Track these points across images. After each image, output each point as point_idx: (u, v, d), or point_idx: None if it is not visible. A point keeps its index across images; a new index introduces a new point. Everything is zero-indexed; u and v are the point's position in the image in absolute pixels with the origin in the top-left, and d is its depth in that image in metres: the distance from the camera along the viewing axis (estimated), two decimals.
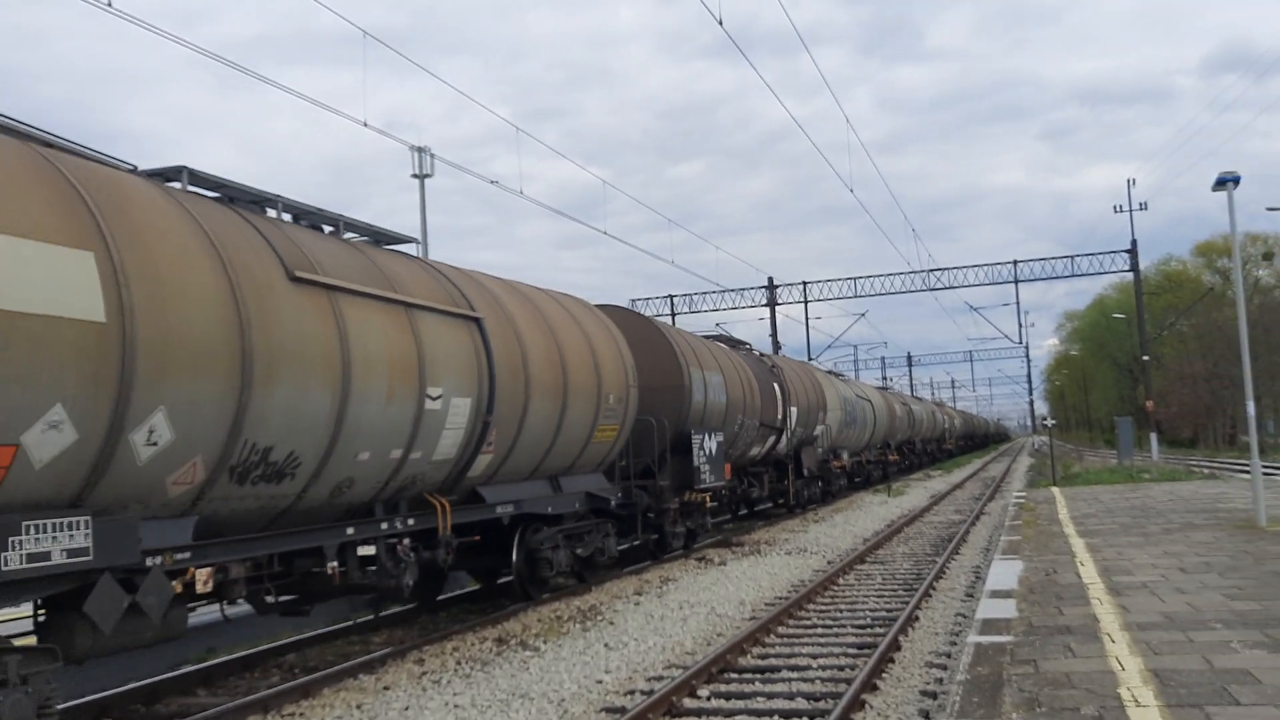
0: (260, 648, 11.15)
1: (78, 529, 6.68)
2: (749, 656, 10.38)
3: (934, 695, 8.51)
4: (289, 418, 8.40)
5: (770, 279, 53.36)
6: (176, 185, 8.64)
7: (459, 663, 10.35)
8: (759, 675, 9.60)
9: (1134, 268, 47.74)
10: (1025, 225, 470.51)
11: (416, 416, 10.14)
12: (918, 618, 12.00)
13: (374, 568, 10.27)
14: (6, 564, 6.22)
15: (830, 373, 37.70)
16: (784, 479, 26.25)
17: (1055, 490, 27.56)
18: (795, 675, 9.49)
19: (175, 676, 9.81)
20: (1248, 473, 21.69)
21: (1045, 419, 55.66)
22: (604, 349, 14.84)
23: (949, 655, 9.87)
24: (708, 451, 18.31)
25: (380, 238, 11.27)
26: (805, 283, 53.04)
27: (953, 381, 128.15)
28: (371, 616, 12.74)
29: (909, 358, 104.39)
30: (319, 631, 11.98)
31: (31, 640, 7.24)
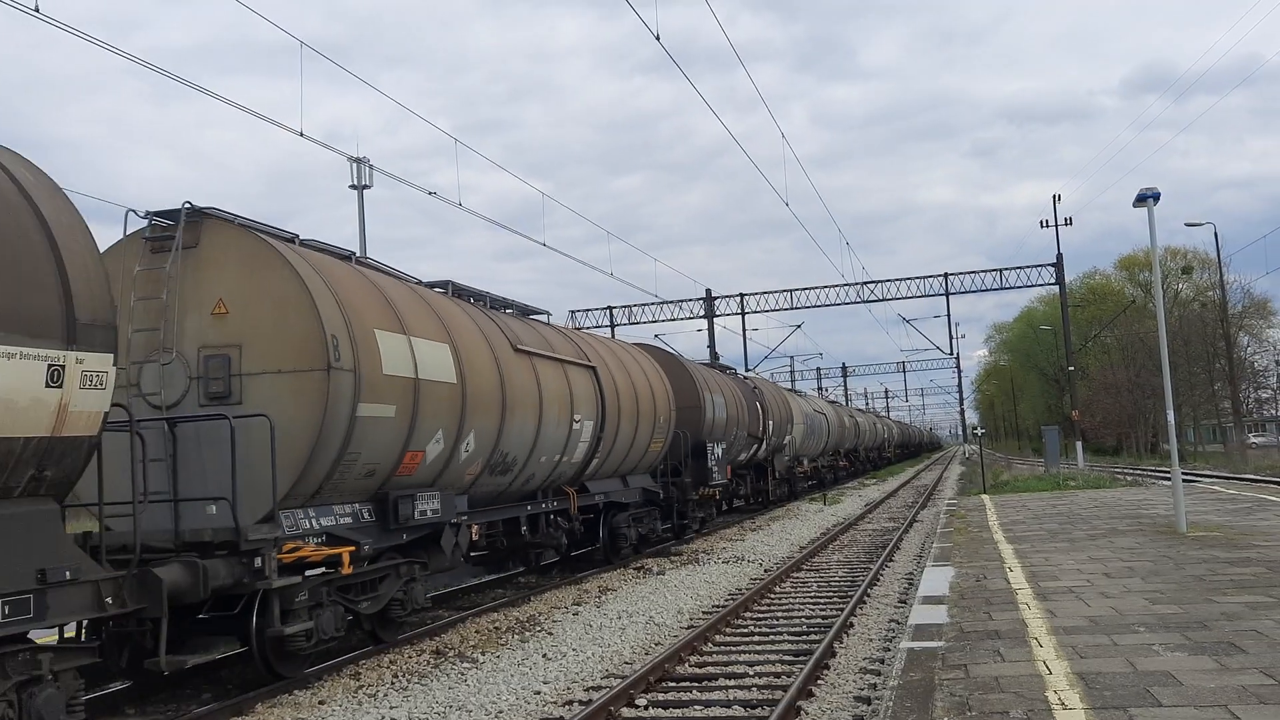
0: (193, 662, 10.93)
1: (435, 499, 11.83)
2: (687, 665, 10.45)
3: (868, 700, 8.65)
4: (518, 436, 13.79)
5: (708, 291, 53.68)
6: (441, 290, 13.82)
7: (396, 676, 10.27)
8: (696, 684, 9.67)
9: (1059, 281, 48.88)
10: (956, 239, 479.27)
11: (568, 434, 15.63)
12: (852, 624, 12.17)
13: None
14: (416, 516, 11.41)
15: (791, 390, 43.81)
16: (761, 480, 31.52)
17: (985, 498, 28.08)
18: (732, 683, 9.58)
19: (104, 695, 9.59)
20: (1169, 479, 22.34)
21: (976, 428, 56.69)
22: (655, 383, 20.44)
23: (883, 661, 10.03)
24: (716, 456, 23.71)
25: (526, 310, 16.63)
26: (743, 294, 53.45)
27: (886, 392, 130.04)
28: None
29: (844, 368, 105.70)
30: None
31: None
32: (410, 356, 11.14)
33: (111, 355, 7.29)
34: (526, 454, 14.24)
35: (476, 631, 12.55)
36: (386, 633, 11.66)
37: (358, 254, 12.34)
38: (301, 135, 17.89)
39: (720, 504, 26.97)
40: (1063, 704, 6.26)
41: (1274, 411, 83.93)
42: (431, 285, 13.82)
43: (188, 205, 10.09)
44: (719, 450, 23.95)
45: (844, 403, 79.33)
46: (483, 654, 11.15)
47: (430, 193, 23.22)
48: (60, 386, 6.84)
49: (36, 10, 11.70)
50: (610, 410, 17.25)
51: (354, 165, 26.26)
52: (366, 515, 10.84)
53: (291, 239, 10.85)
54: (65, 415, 6.89)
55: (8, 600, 6.52)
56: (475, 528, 13.08)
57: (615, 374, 18.07)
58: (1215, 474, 39.80)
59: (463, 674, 10.22)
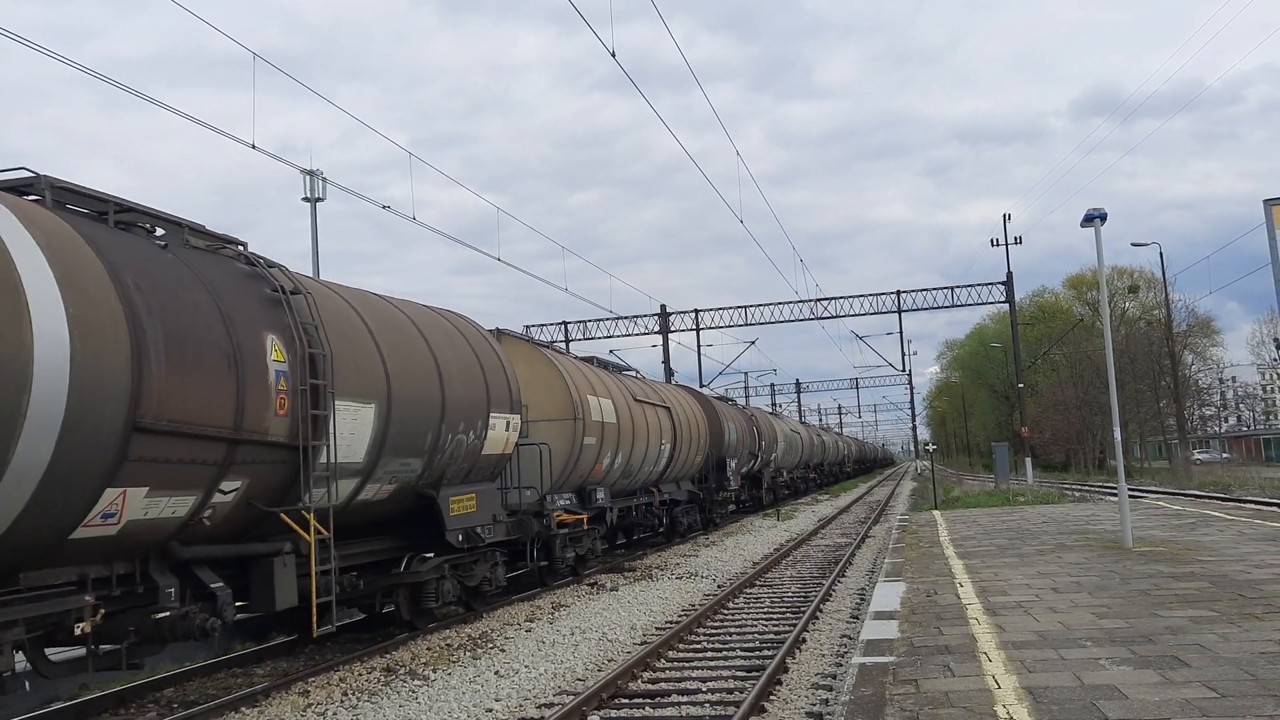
0: (136, 682, 10.74)
1: (603, 491, 20.14)
2: (640, 681, 10.42)
3: (820, 716, 8.68)
4: (637, 455, 21.56)
5: (663, 306, 53.85)
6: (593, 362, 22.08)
7: (345, 694, 10.14)
8: (649, 700, 9.64)
9: (1009, 299, 49.60)
10: (908, 257, 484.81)
11: (658, 453, 23.45)
12: (805, 640, 12.22)
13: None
14: (597, 500, 19.56)
15: (773, 414, 53.69)
16: (756, 488, 39.19)
17: (937, 513, 28.32)
18: (685, 699, 9.57)
19: (45, 713, 9.37)
20: (1115, 495, 22.68)
21: (927, 444, 57.28)
22: (698, 415, 28.77)
23: (834, 676, 10.06)
24: (732, 468, 31.56)
25: (620, 368, 24.63)
26: (697, 310, 53.67)
27: (839, 408, 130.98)
28: (254, 649, 12.38)
29: (798, 384, 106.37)
30: (199, 665, 11.57)
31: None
32: (600, 409, 19.32)
33: (519, 415, 15.13)
34: (639, 465, 22.37)
35: (428, 648, 12.43)
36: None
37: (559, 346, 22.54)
38: (254, 147, 17.71)
39: (732, 505, 34.55)
40: (1011, 718, 6.32)
41: (1218, 429, 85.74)
42: (583, 359, 22.01)
43: (495, 330, 17.15)
44: (733, 463, 31.92)
45: (799, 419, 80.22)
46: (434, 671, 11.04)
47: (384, 206, 23.08)
48: (510, 431, 14.60)
49: None
50: (679, 436, 25.56)
51: (307, 178, 26.04)
52: (574, 500, 18.82)
53: (548, 345, 21.35)
54: (508, 443, 14.65)
55: (487, 525, 14.07)
56: (615, 510, 21.18)
57: (677, 410, 26.10)
58: (1161, 490, 40.50)
59: (414, 691, 10.11)
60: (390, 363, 11.50)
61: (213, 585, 9.11)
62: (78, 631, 7.94)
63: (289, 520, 9.87)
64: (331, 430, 10.17)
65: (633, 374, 25.34)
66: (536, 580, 17.73)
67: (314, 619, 10.03)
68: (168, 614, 8.62)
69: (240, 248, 10.31)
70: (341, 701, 9.80)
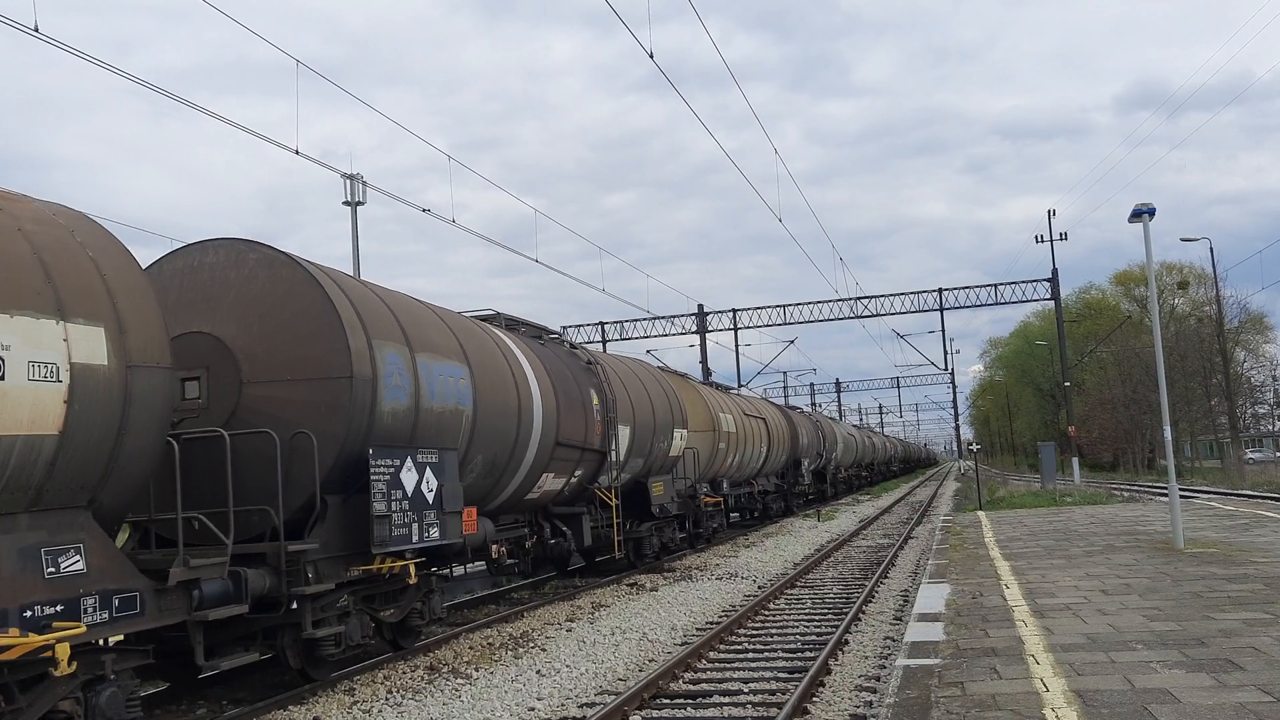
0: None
1: (727, 483, 28.10)
2: (681, 682, 10.39)
3: (864, 718, 8.60)
4: (746, 455, 29.30)
5: (700, 306, 53.75)
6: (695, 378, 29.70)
7: (390, 692, 10.20)
8: (691, 700, 9.61)
9: (1055, 296, 48.99)
10: (949, 255, 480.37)
11: (759, 453, 30.65)
12: (847, 641, 12.12)
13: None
14: (726, 490, 27.70)
15: (832, 418, 61.66)
16: (821, 483, 44.40)
17: (981, 514, 28.02)
18: (727, 700, 9.52)
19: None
20: (1166, 496, 22.31)
21: (971, 444, 56.70)
22: (782, 424, 35.33)
23: (878, 678, 9.97)
24: (805, 466, 37.86)
25: (726, 387, 33.10)
26: (735, 310, 53.51)
27: (880, 407, 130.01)
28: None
29: (837, 384, 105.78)
30: (245, 662, 11.66)
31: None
32: (727, 423, 26.57)
33: (685, 429, 22.45)
34: (747, 463, 29.44)
35: (470, 647, 12.48)
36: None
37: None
38: (297, 153, 17.89)
39: (806, 497, 40.92)
40: None
41: (1271, 427, 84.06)
42: (708, 384, 30.41)
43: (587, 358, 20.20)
44: (805, 463, 37.88)
45: (839, 418, 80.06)
46: (476, 670, 11.08)
47: (424, 209, 23.23)
48: (681, 440, 22.11)
49: (36, 30, 11.70)
50: (771, 441, 32.49)
51: (348, 182, 26.28)
52: (709, 488, 25.39)
53: (716, 385, 32.12)
54: (681, 449, 22.29)
55: (671, 502, 21.35)
56: (732, 496, 28.49)
57: (768, 420, 33.01)
58: (1212, 490, 39.77)
59: (457, 690, 10.15)
60: (635, 401, 18.93)
61: (564, 528, 16.40)
62: (526, 545, 15.06)
63: (600, 492, 17.64)
64: (615, 442, 17.54)
65: (735, 391, 34.26)
66: (692, 543, 24.20)
67: (616, 548, 18.39)
68: (553, 542, 16.02)
69: (560, 336, 18.17)
70: (386, 699, 9.86)
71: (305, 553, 9.40)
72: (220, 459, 8.74)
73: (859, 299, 50.83)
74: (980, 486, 40.41)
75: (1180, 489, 19.60)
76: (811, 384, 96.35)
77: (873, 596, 15.73)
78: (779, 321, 52.56)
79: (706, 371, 51.37)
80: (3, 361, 6.66)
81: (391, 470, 10.19)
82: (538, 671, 10.93)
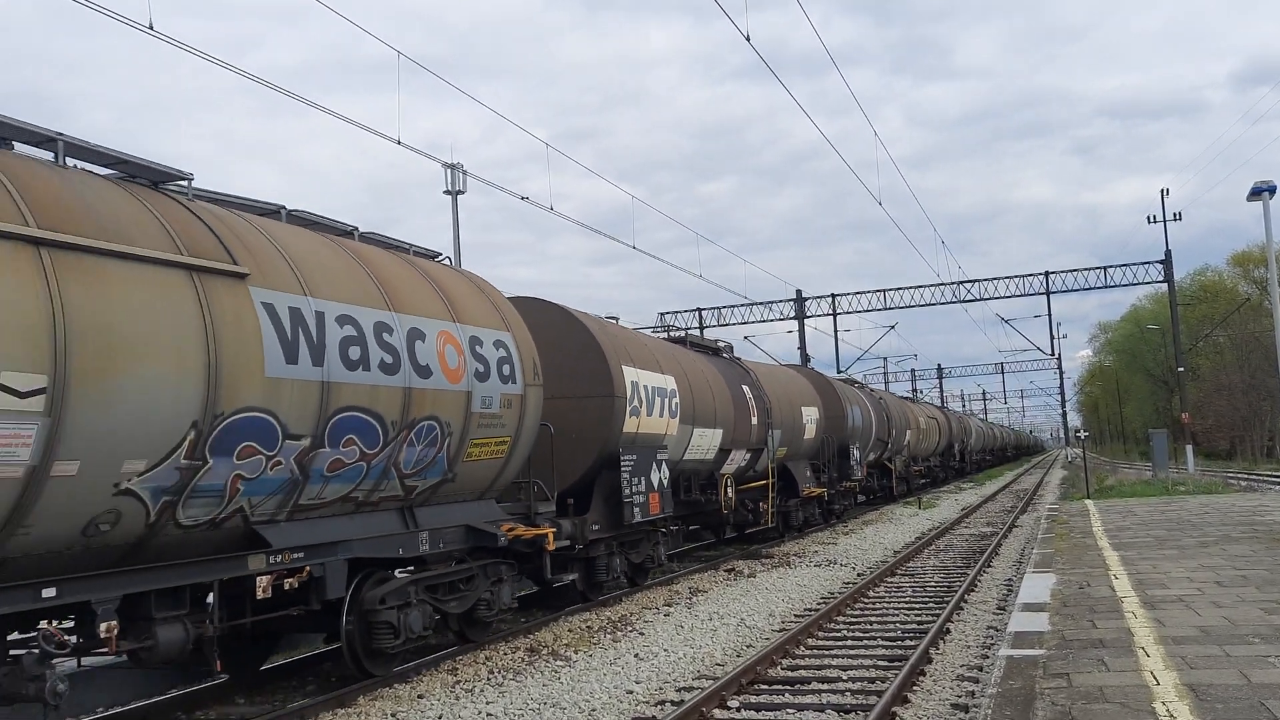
0: (296, 657, 11.28)
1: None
2: (779, 668, 10.38)
3: (965, 708, 8.49)
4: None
5: (799, 291, 53.30)
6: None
7: (491, 672, 10.42)
8: (789, 687, 9.60)
9: (1168, 278, 47.31)
10: (1054, 238, 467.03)
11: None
12: (949, 630, 11.95)
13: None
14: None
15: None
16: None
17: (1089, 503, 27.30)
18: (825, 687, 9.49)
19: (211, 687, 9.94)
20: None
21: (1078, 431, 55.14)
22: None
23: (980, 668, 9.83)
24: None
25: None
26: (834, 295, 52.91)
27: (984, 393, 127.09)
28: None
29: (939, 369, 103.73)
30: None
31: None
32: (856, 415, 29.39)
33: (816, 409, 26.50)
34: (906, 445, 35.80)
35: (569, 630, 12.66)
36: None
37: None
38: (399, 143, 18.27)
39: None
40: (1171, 715, 6.05)
41: None
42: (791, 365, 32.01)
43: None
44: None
45: (941, 405, 78.64)
46: (576, 652, 11.24)
47: (522, 197, 23.53)
48: (811, 424, 25.64)
49: (150, 27, 12.16)
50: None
51: (448, 170, 26.71)
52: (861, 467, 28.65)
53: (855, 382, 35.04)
54: (814, 433, 25.88)
55: (808, 483, 25.90)
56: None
57: (919, 418, 38.56)
58: None
59: (556, 671, 10.32)
60: (780, 401, 22.69)
61: (747, 502, 21.31)
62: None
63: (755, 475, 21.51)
64: (770, 435, 21.43)
65: (872, 390, 37.13)
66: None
67: (769, 519, 21.93)
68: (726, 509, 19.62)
69: (724, 347, 22.19)
70: (488, 679, 10.08)
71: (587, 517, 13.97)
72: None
73: (961, 283, 49.84)
74: (1088, 475, 39.30)
75: None
76: (913, 370, 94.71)
77: (975, 585, 15.46)
78: (879, 306, 51.86)
79: (805, 358, 50.97)
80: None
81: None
82: (636, 655, 11.03)
